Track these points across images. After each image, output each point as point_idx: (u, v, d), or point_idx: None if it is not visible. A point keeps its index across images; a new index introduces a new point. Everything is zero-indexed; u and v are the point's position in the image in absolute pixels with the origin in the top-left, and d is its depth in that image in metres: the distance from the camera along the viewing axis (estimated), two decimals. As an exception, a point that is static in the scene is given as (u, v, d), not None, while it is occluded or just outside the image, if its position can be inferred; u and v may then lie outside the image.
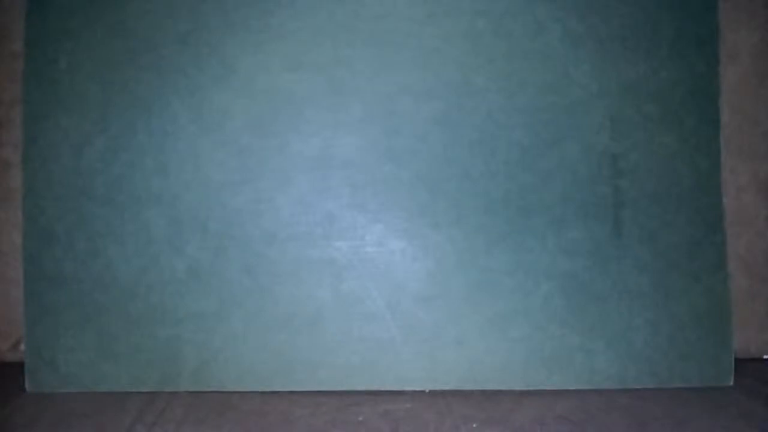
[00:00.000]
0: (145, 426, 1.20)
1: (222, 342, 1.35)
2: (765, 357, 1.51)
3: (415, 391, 1.35)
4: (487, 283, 1.36)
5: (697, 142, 1.38)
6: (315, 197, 1.37)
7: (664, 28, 1.38)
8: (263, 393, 1.33)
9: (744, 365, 1.39)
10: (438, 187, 1.36)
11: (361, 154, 1.37)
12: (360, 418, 1.23)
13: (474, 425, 1.20)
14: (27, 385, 1.35)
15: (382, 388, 1.34)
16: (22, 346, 1.40)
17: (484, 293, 1.36)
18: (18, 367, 1.37)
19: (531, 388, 1.34)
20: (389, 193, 1.37)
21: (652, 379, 1.35)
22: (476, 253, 1.36)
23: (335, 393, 1.33)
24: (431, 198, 1.36)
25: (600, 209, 1.36)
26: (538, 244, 1.35)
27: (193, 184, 1.36)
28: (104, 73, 1.37)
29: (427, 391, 1.35)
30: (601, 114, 1.37)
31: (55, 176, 1.36)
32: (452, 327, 1.36)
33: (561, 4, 1.37)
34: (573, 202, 1.36)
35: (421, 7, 1.38)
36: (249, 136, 1.37)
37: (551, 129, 1.36)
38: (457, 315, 1.36)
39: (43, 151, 1.36)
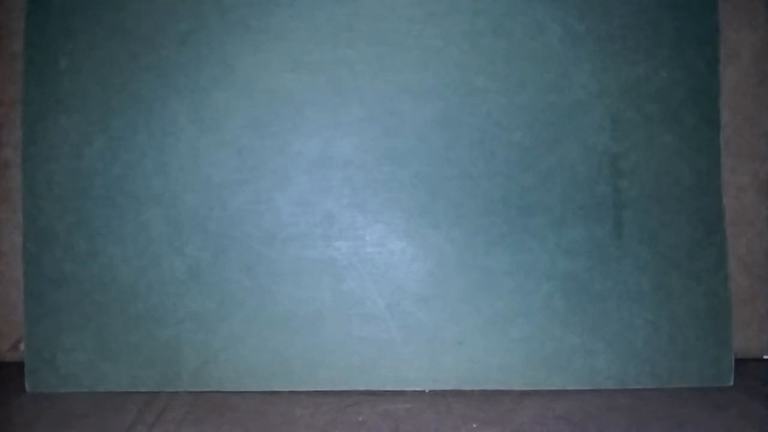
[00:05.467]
0: (145, 426, 1.20)
1: (222, 342, 1.35)
2: (765, 357, 1.51)
3: (415, 391, 1.35)
4: (487, 283, 1.36)
5: (697, 142, 1.38)
6: (315, 197, 1.37)
7: (664, 28, 1.38)
8: (263, 393, 1.33)
9: (744, 365, 1.39)
10: (438, 187, 1.36)
11: (361, 154, 1.37)
12: (360, 418, 1.23)
13: (474, 425, 1.20)
14: (27, 385, 1.35)
15: (382, 388, 1.34)
16: (22, 346, 1.40)
17: (484, 293, 1.36)
18: (18, 367, 1.37)
19: (531, 388, 1.34)
20: (389, 193, 1.37)
21: (652, 379, 1.35)
22: (476, 253, 1.36)
23: (335, 393, 1.33)
24: (431, 198, 1.36)
25: (600, 209, 1.36)
26: (538, 244, 1.35)
27: (193, 184, 1.36)
28: (104, 74, 1.37)
29: (427, 391, 1.35)
30: (601, 114, 1.37)
31: (55, 176, 1.36)
32: (452, 327, 1.36)
33: (561, 4, 1.37)
34: (573, 203, 1.36)
35: (421, 7, 1.38)
36: (249, 136, 1.37)
37: (551, 129, 1.36)
38: (457, 315, 1.36)
39: (43, 151, 1.36)
